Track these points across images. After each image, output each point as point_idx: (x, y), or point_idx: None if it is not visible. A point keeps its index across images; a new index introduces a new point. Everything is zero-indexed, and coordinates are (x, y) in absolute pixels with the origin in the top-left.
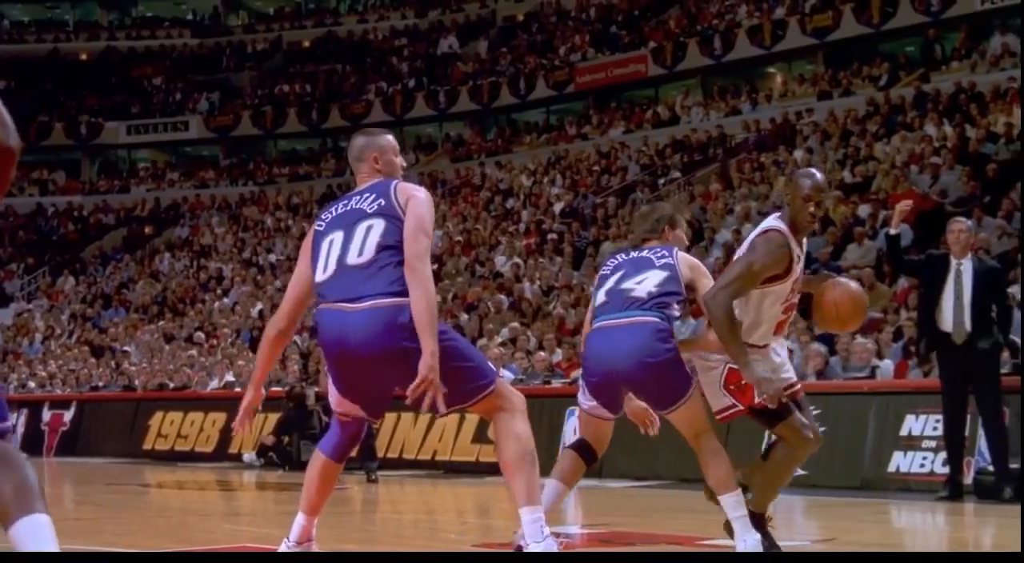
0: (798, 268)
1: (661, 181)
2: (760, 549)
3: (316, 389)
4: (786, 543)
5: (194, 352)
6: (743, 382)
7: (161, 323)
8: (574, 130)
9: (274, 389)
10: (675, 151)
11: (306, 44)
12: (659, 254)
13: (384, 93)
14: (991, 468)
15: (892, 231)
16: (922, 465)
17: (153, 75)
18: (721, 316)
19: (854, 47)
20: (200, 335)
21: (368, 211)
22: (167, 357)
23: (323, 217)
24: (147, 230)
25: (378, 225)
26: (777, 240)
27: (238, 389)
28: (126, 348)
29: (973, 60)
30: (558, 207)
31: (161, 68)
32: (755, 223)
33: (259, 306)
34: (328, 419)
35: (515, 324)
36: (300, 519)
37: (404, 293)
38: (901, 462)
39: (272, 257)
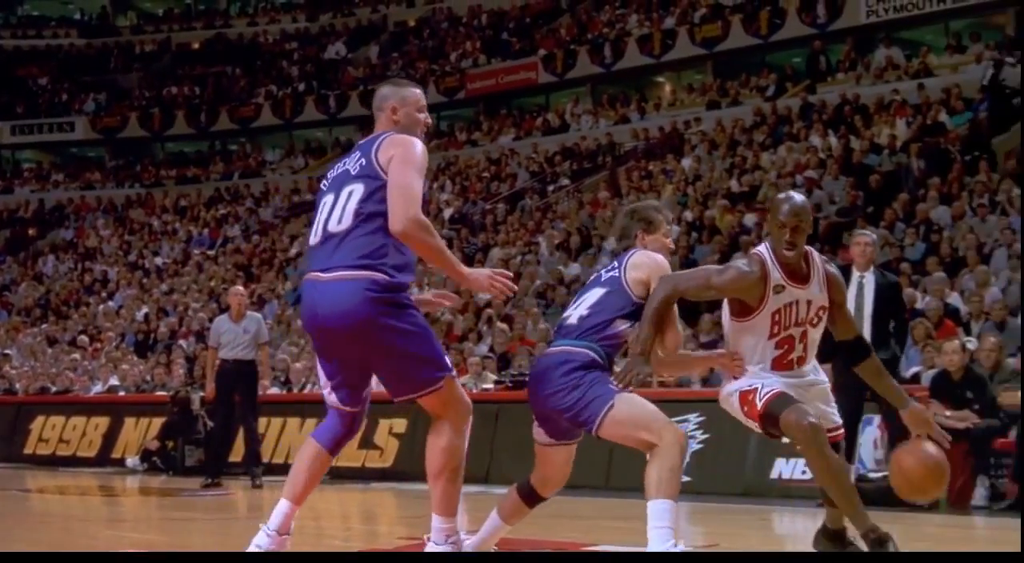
0: (776, 300)
1: (550, 188)
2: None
3: (201, 394)
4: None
5: (77, 356)
6: (750, 398)
7: (44, 326)
8: (464, 136)
9: (159, 393)
10: (564, 158)
11: (195, 46)
12: (611, 266)
13: (274, 96)
14: (872, 475)
15: None
16: (804, 472)
17: (39, 75)
18: (655, 298)
19: (742, 57)
20: (84, 338)
21: (352, 173)
22: (50, 360)
23: (328, 175)
24: (31, 232)
25: (357, 190)
26: (750, 266)
27: (122, 393)
28: (7, 351)
29: (858, 72)
30: (447, 213)
31: (47, 68)
32: None
33: (144, 309)
34: (212, 424)
35: None
36: (283, 506)
37: (372, 266)
38: (783, 469)
39: (158, 260)
